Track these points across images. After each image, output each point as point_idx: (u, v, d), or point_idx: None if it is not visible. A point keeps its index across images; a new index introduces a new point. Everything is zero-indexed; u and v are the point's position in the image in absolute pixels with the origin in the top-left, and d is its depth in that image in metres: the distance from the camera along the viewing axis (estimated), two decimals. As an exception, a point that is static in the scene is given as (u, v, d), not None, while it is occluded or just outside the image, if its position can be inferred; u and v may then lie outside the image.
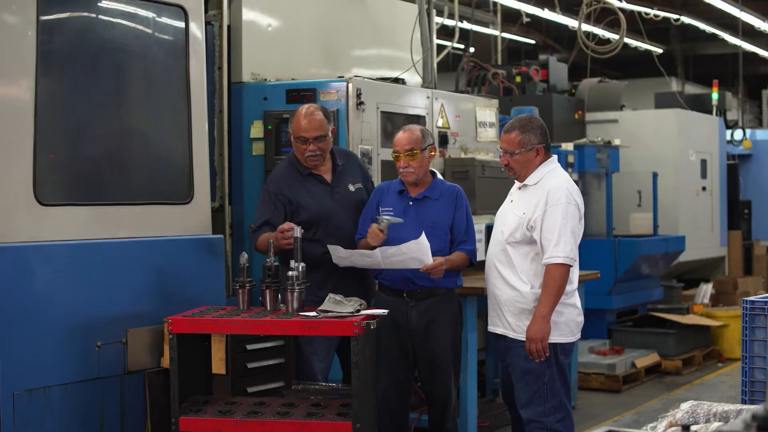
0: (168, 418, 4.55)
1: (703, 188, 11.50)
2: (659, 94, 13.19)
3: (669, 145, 10.90)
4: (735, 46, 17.95)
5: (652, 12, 12.48)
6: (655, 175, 10.31)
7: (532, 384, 4.92)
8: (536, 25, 17.73)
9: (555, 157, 5.10)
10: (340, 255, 5.04)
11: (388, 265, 5.07)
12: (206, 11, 5.69)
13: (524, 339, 4.89)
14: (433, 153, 5.31)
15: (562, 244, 4.83)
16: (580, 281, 5.22)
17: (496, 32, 14.35)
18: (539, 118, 5.20)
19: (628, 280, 9.52)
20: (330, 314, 4.48)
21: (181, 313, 4.67)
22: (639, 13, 12.25)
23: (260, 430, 4.39)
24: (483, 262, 5.26)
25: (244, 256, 4.77)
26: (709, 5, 15.52)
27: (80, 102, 4.77)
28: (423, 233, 4.99)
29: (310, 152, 5.22)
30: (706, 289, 11.06)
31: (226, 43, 6.35)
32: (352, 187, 5.40)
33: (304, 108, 5.28)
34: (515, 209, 5.01)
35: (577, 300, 5.03)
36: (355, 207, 5.38)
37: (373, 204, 5.33)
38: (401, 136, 5.26)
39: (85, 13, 4.87)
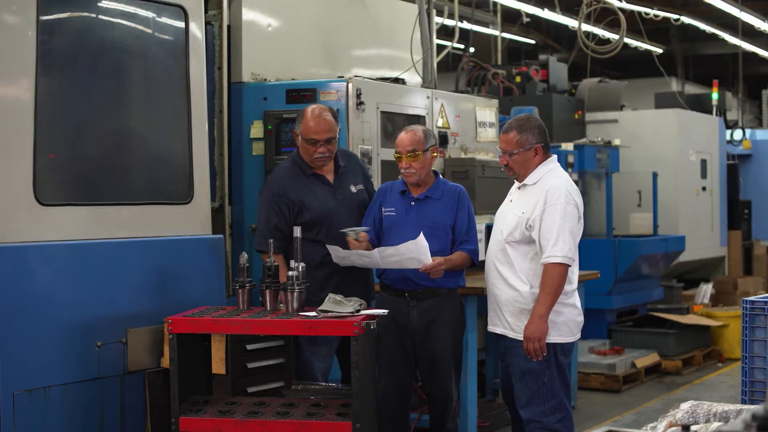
0: (168, 418, 4.55)
1: (703, 188, 11.49)
2: (659, 94, 13.19)
3: (669, 145, 10.89)
4: (735, 46, 17.95)
5: (652, 12, 12.48)
6: (655, 175, 10.30)
7: (532, 384, 4.91)
8: (536, 25, 17.72)
9: (554, 156, 5.10)
10: (339, 255, 5.04)
11: (386, 265, 5.07)
12: (206, 11, 5.69)
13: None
14: (435, 154, 5.31)
15: (561, 244, 4.82)
16: (580, 281, 5.21)
17: (496, 32, 14.35)
18: (537, 118, 5.19)
19: (628, 280, 9.51)
20: (330, 314, 4.48)
21: (181, 313, 4.67)
22: (639, 13, 12.25)
23: (260, 430, 4.39)
24: (483, 262, 5.26)
25: (244, 256, 4.77)
26: (709, 5, 15.52)
27: (80, 102, 4.77)
28: (421, 233, 4.99)
29: (319, 154, 5.20)
30: (706, 289, 11.06)
31: (226, 43, 6.35)
32: (354, 188, 5.39)
33: (311, 109, 5.24)
34: (514, 209, 5.01)
35: (576, 300, 5.03)
36: (357, 208, 5.37)
37: (375, 204, 5.33)
38: (403, 136, 5.25)
39: (85, 13, 4.87)
